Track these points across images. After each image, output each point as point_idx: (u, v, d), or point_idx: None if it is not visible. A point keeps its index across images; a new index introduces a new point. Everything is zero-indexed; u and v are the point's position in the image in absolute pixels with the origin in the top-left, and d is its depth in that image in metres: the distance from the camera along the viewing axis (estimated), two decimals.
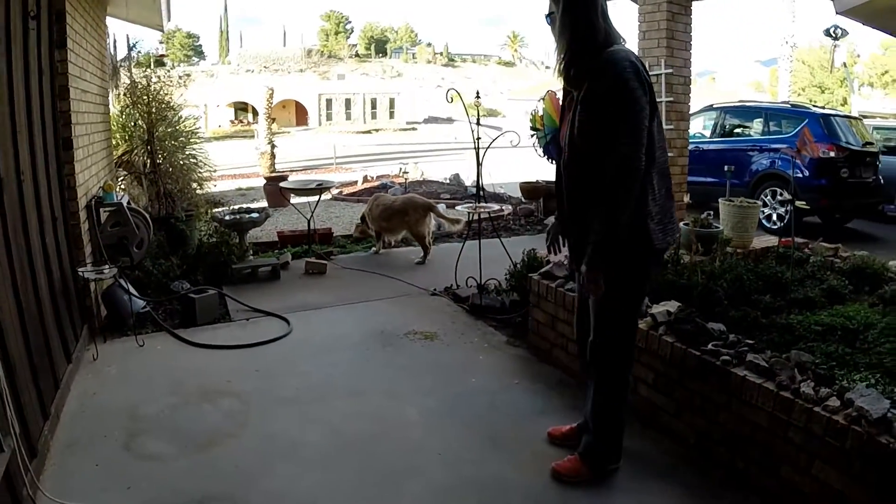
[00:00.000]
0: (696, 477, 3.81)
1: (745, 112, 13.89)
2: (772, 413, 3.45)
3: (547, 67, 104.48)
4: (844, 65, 32.13)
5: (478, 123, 7.04)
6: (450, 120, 63.39)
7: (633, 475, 3.83)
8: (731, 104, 14.60)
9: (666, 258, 5.16)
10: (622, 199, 3.18)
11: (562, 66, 3.40)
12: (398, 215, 9.02)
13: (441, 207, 11.45)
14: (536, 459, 4.00)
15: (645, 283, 3.61)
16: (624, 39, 3.39)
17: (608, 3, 3.43)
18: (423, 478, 3.84)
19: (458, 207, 9.29)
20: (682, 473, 3.85)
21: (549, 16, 3.44)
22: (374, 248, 9.58)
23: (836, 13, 8.02)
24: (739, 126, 13.70)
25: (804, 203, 7.33)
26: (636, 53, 3.39)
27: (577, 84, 3.35)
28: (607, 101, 3.18)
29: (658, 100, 5.43)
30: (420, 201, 9.16)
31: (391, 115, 67.54)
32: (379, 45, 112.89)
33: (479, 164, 7.22)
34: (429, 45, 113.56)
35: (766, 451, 3.52)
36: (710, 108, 14.59)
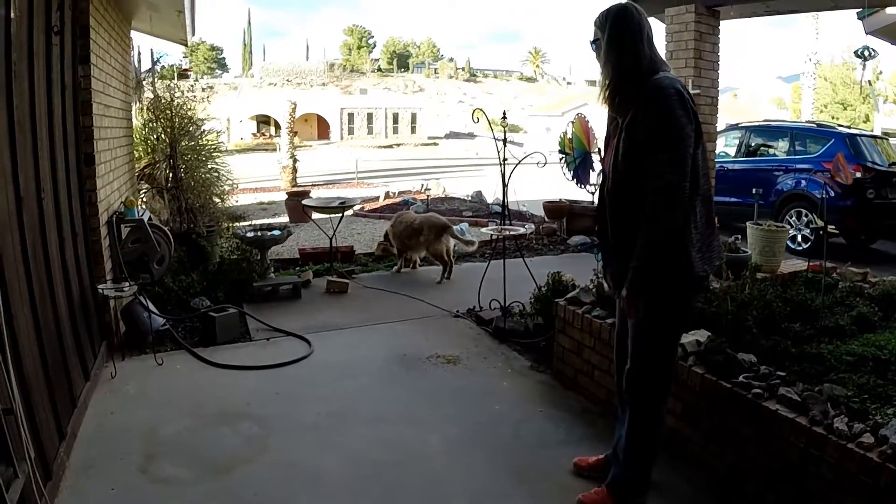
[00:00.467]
0: None
1: (770, 131, 13.78)
2: (804, 448, 3.35)
3: (569, 83, 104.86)
4: (869, 83, 31.91)
5: (504, 143, 6.95)
6: (471, 135, 63.52)
7: None
8: (756, 123, 14.49)
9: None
10: (664, 226, 3.14)
11: (607, 92, 3.37)
12: (417, 234, 8.97)
13: (464, 226, 11.40)
14: (562, 491, 3.90)
15: (685, 312, 3.53)
16: (669, 67, 3.33)
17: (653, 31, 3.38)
18: None
19: (483, 230, 9.20)
20: None
21: (595, 42, 3.41)
22: (395, 267, 9.50)
23: (866, 34, 7.94)
24: (764, 145, 13.57)
25: (833, 227, 7.23)
26: (681, 81, 3.32)
27: (622, 111, 3.30)
28: (652, 129, 3.13)
29: None
30: (437, 221, 9.10)
31: (413, 129, 67.77)
32: (401, 60, 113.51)
33: (504, 185, 7.13)
34: (451, 60, 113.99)
35: (797, 487, 3.41)
36: (734, 126, 14.50)
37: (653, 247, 3.16)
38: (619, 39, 3.27)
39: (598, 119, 3.82)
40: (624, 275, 3.34)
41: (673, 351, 3.59)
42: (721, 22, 7.71)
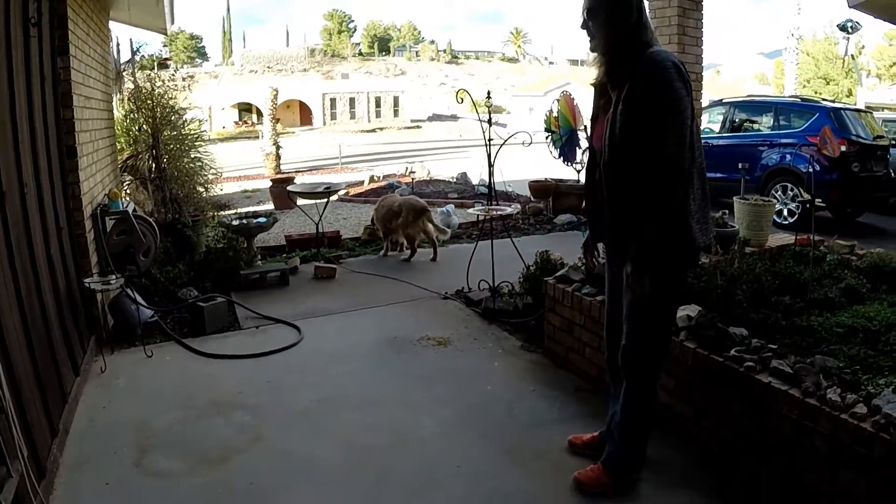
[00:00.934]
0: (720, 485, 3.73)
1: (755, 107, 13.80)
2: (797, 421, 3.36)
3: (551, 63, 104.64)
4: (853, 57, 31.96)
5: (489, 123, 6.93)
6: (454, 117, 63.47)
7: (657, 485, 3.74)
8: (740, 99, 14.51)
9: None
10: (669, 198, 3.14)
11: (602, 67, 3.35)
12: (396, 216, 9.04)
13: (451, 207, 11.39)
14: (557, 469, 3.91)
15: (683, 285, 3.54)
16: (658, 41, 3.33)
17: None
18: (443, 492, 3.75)
19: (469, 210, 9.20)
20: (705, 483, 3.76)
21: (589, 11, 3.35)
22: (382, 251, 9.53)
23: (849, 7, 7.92)
24: (748, 121, 13.58)
25: (820, 200, 7.22)
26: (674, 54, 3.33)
27: (618, 84, 3.27)
28: (652, 101, 3.11)
29: None
30: (416, 203, 9.17)
31: (395, 113, 67.58)
32: (382, 44, 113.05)
33: (490, 166, 7.11)
34: (432, 42, 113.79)
35: (790, 459, 3.42)
36: (718, 102, 14.50)
37: (660, 220, 3.16)
38: (615, 11, 3.24)
39: (584, 97, 3.81)
40: (624, 252, 3.34)
41: (670, 325, 3.61)
42: None
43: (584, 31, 3.39)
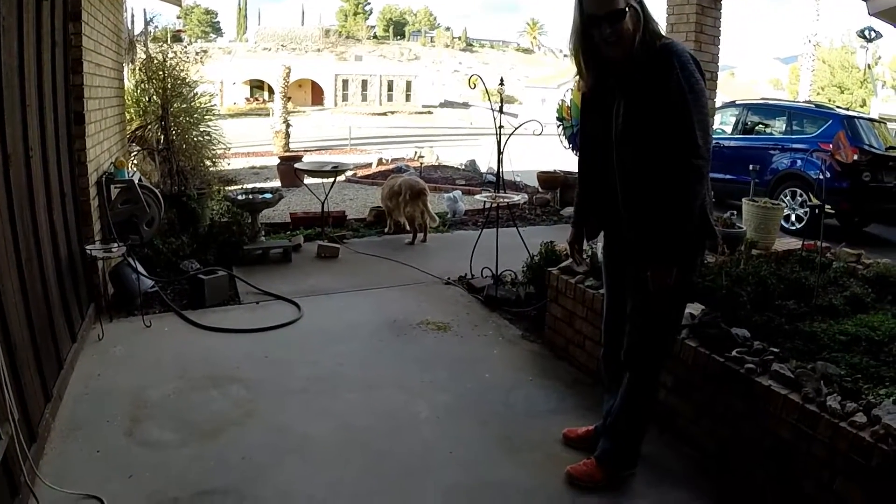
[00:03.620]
0: (715, 486, 3.71)
1: (768, 110, 13.68)
2: (796, 426, 3.34)
3: (566, 56, 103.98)
4: (869, 66, 31.78)
5: (500, 111, 6.88)
6: (466, 105, 63.27)
7: (650, 482, 3.72)
8: (754, 101, 14.39)
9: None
10: (695, 190, 3.08)
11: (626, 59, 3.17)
12: (397, 195, 9.15)
13: (458, 193, 11.36)
14: (550, 461, 3.88)
15: (695, 278, 3.48)
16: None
17: None
18: (435, 478, 3.73)
19: (476, 196, 9.17)
20: (699, 482, 3.74)
21: (618, 12, 3.10)
22: (386, 228, 9.69)
23: (870, 14, 7.84)
24: (761, 124, 13.48)
25: (829, 207, 7.16)
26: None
27: (627, 77, 3.17)
28: (672, 92, 3.03)
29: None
30: (415, 184, 9.24)
31: (407, 97, 67.38)
32: (397, 28, 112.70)
33: (499, 153, 7.07)
34: (447, 29, 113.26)
35: (787, 465, 3.40)
36: (731, 104, 14.40)
37: (685, 210, 3.09)
38: (641, 3, 3.13)
39: None
40: (638, 246, 3.28)
41: (679, 322, 3.57)
42: None
43: (603, 43, 3.14)
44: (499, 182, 7.67)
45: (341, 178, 11.61)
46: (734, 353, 3.83)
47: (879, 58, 45.40)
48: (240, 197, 8.44)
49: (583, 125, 3.66)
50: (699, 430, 4.00)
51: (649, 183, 3.17)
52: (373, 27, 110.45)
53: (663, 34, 3.22)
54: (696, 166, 3.04)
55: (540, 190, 12.88)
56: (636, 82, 3.13)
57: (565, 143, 11.15)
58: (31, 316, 3.88)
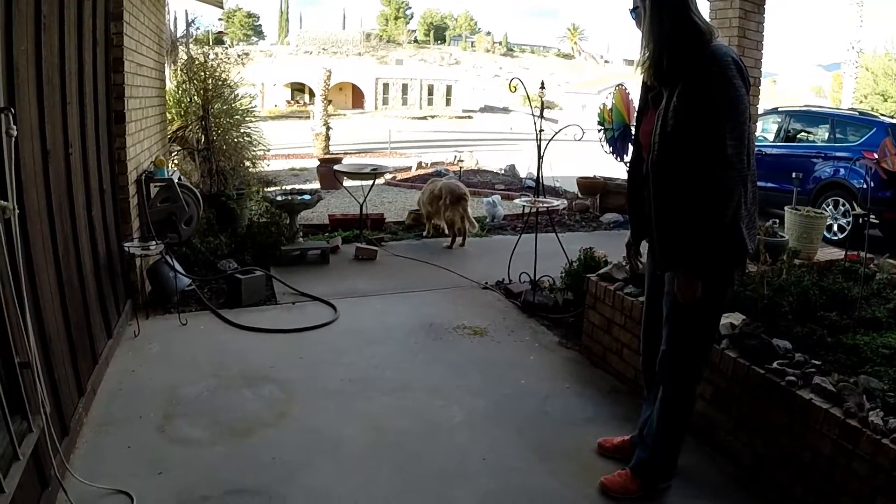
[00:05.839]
0: (751, 500, 3.62)
1: (811, 117, 13.46)
2: (836, 441, 3.24)
3: (606, 62, 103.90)
4: None
5: (541, 116, 6.82)
6: (506, 110, 63.27)
7: (686, 495, 3.63)
8: (797, 108, 14.17)
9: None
10: (726, 200, 2.99)
11: (649, 61, 3.15)
12: (437, 199, 9.06)
13: (497, 198, 11.31)
14: (585, 471, 3.81)
15: (729, 291, 3.39)
16: (718, 33, 3.15)
17: None
18: (468, 484, 3.68)
19: (515, 201, 9.13)
20: (736, 496, 3.66)
21: (635, 10, 3.19)
22: (425, 232, 9.63)
23: None
24: (803, 132, 13.26)
25: (873, 217, 6.99)
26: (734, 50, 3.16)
27: (670, 81, 3.09)
28: (711, 99, 2.95)
29: None
30: (456, 188, 9.12)
31: (447, 102, 67.41)
32: (438, 32, 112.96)
33: (539, 157, 7.00)
34: (488, 33, 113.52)
35: (826, 480, 3.30)
36: (774, 111, 14.19)
37: (714, 221, 3.01)
38: (660, 6, 3.06)
39: (638, 93, 3.65)
40: (670, 253, 3.22)
41: (713, 333, 3.47)
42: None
43: (634, 15, 3.20)
44: (538, 187, 7.61)
45: (380, 180, 11.65)
46: (775, 364, 3.73)
47: None
48: (279, 198, 8.47)
49: (636, 128, 3.64)
50: (737, 443, 3.89)
51: (675, 192, 3.12)
52: (413, 31, 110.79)
53: (714, 37, 3.09)
54: (719, 179, 2.96)
55: (580, 196, 12.79)
56: (678, 86, 3.05)
57: (606, 147, 11.06)
58: (68, 310, 3.89)
